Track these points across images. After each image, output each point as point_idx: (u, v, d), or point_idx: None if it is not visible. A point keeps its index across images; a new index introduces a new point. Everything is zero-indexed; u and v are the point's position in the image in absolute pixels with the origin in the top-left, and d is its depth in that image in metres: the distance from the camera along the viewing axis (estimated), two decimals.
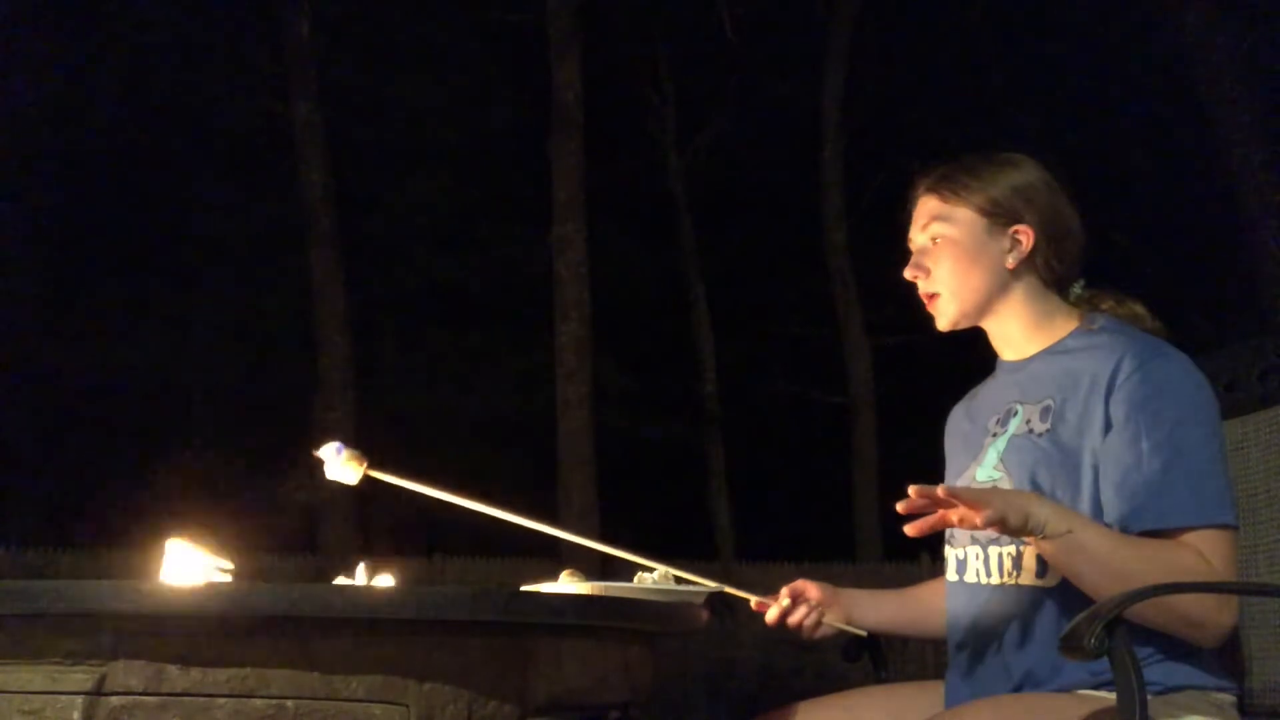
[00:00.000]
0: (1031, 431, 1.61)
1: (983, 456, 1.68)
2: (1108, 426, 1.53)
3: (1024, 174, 1.71)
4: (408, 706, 1.30)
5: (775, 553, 12.79)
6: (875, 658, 1.91)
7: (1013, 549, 1.60)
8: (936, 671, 1.87)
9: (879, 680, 1.89)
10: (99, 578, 1.33)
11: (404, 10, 14.20)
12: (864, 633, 1.85)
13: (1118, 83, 14.77)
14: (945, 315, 1.72)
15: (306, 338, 12.21)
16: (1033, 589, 1.57)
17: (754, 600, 1.80)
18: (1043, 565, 1.56)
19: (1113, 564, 1.45)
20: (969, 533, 1.66)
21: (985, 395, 1.79)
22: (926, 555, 11.78)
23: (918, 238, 1.75)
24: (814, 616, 1.78)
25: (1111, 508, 1.51)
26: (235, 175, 14.34)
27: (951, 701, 1.67)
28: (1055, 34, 15.04)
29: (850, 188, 14.54)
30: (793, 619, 1.78)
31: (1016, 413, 1.66)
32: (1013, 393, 1.69)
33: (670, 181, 16.18)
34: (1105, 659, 1.33)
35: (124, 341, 13.75)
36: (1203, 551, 1.46)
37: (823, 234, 14.48)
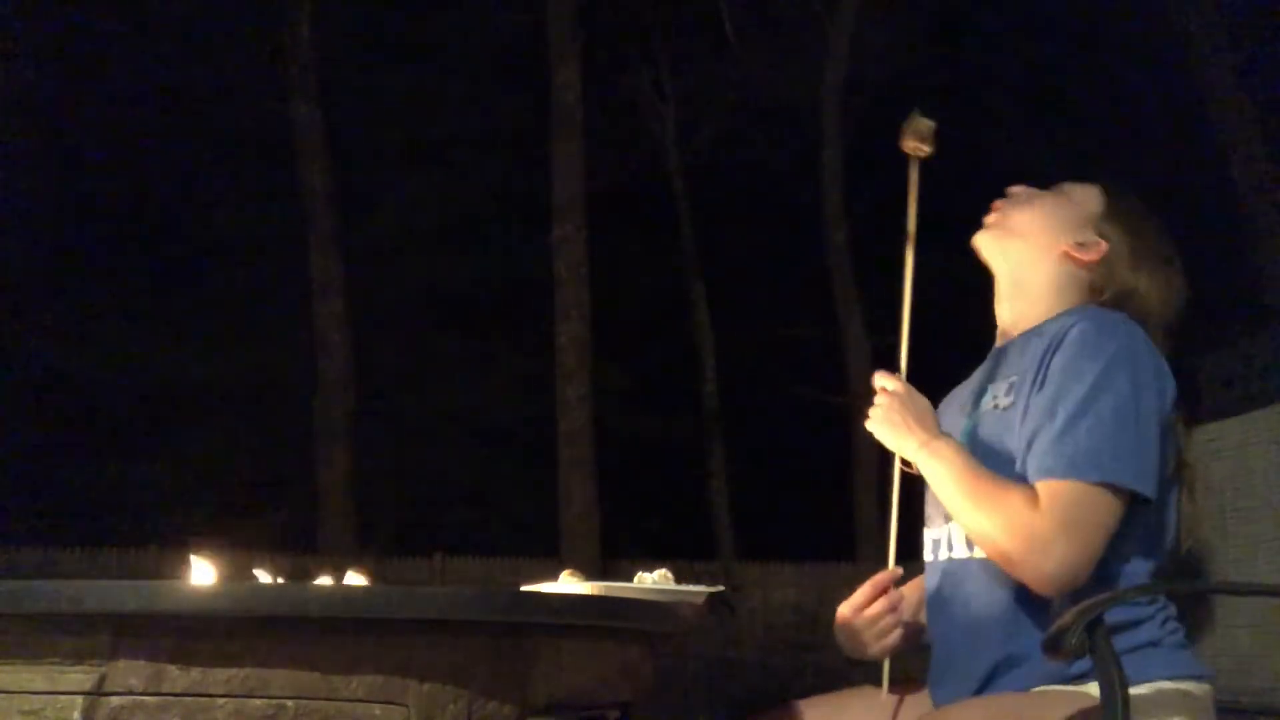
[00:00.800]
0: (997, 407, 1.64)
1: (956, 435, 1.69)
2: (1041, 386, 1.56)
3: (1145, 231, 1.73)
4: (408, 706, 1.30)
5: (775, 553, 12.79)
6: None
7: None
8: None
9: (852, 670, 1.87)
10: (99, 578, 1.33)
11: (404, 10, 14.20)
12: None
13: (1118, 83, 14.78)
14: (990, 235, 1.75)
15: (306, 338, 12.21)
16: (981, 562, 1.59)
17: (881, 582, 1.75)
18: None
19: (951, 490, 1.56)
20: (943, 511, 1.66)
21: (971, 377, 1.81)
22: None
23: (1019, 188, 1.79)
24: (895, 635, 1.73)
25: (1023, 455, 1.54)
26: (235, 175, 14.35)
27: (933, 685, 1.67)
28: (1055, 34, 15.05)
29: (850, 188, 14.53)
30: (902, 619, 1.74)
31: (985, 391, 1.69)
32: (986, 374, 1.73)
33: (670, 181, 16.18)
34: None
35: (124, 341, 13.75)
36: (1042, 501, 1.48)
37: (823, 234, 14.47)
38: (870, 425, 1.71)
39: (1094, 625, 1.34)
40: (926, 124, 1.73)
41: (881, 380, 1.73)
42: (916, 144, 1.73)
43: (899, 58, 14.75)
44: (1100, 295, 1.69)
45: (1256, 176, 11.03)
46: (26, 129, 13.12)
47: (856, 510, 14.14)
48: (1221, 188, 11.62)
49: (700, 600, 1.74)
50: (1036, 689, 1.52)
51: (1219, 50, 11.34)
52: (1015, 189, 1.79)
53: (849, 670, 1.90)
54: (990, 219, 1.77)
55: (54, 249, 13.86)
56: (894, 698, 1.75)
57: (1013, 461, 1.56)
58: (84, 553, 11.42)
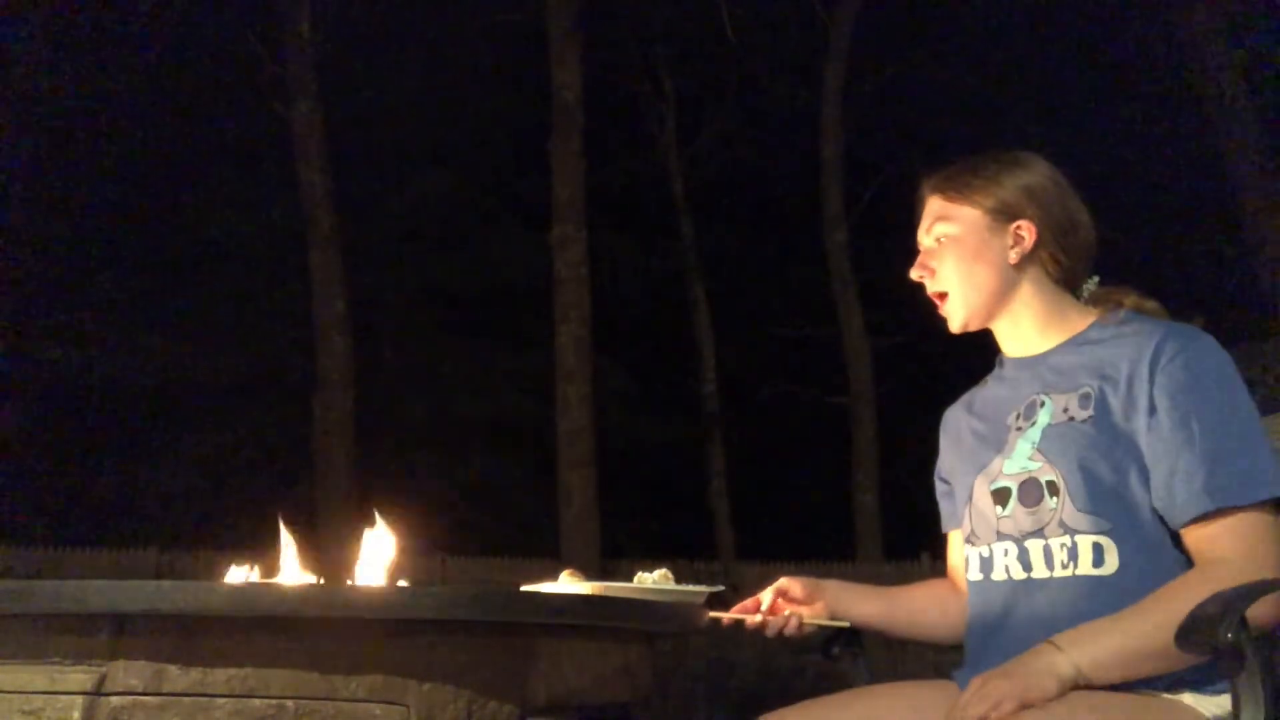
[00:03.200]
0: (1072, 419, 1.60)
1: (1011, 449, 1.66)
2: (1152, 410, 1.53)
3: (1029, 172, 1.72)
4: (408, 706, 1.30)
5: (775, 553, 12.78)
6: (853, 649, 1.88)
7: (1067, 539, 1.56)
8: (938, 671, 1.85)
9: (856, 672, 1.87)
10: (99, 578, 1.33)
11: (404, 10, 14.19)
12: (846, 624, 1.83)
13: (1118, 83, 14.77)
14: (955, 317, 1.74)
15: (306, 338, 12.20)
16: (1090, 579, 1.54)
17: (743, 615, 1.80)
18: (1099, 554, 1.54)
19: (1146, 643, 1.42)
20: (994, 528, 1.65)
21: (993, 393, 1.79)
22: (927, 555, 11.80)
23: (924, 239, 1.77)
24: (792, 623, 1.77)
25: (1164, 491, 1.51)
26: (235, 175, 14.34)
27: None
28: (1055, 34, 15.04)
29: (850, 188, 14.53)
30: (769, 632, 1.78)
31: (1044, 404, 1.65)
32: (1033, 386, 1.69)
33: (670, 181, 16.17)
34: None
35: (124, 341, 13.75)
36: (1222, 538, 1.45)
37: (823, 234, 14.47)
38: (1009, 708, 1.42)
39: (1244, 619, 1.29)
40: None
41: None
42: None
43: (899, 58, 14.75)
44: (1068, 259, 1.70)
45: (1256, 176, 11.03)
46: (26, 128, 13.12)
47: (856, 510, 14.13)
48: (1222, 189, 11.61)
49: (700, 600, 1.74)
50: (1132, 693, 1.47)
51: (1219, 51, 11.33)
52: (924, 240, 1.77)
53: (849, 670, 1.90)
54: (927, 286, 1.76)
55: (53, 249, 13.85)
56: (904, 697, 1.73)
57: (1117, 471, 1.54)
58: (84, 553, 11.42)
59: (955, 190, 1.73)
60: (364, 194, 13.90)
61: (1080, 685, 1.43)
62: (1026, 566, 1.61)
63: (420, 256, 14.96)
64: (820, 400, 15.11)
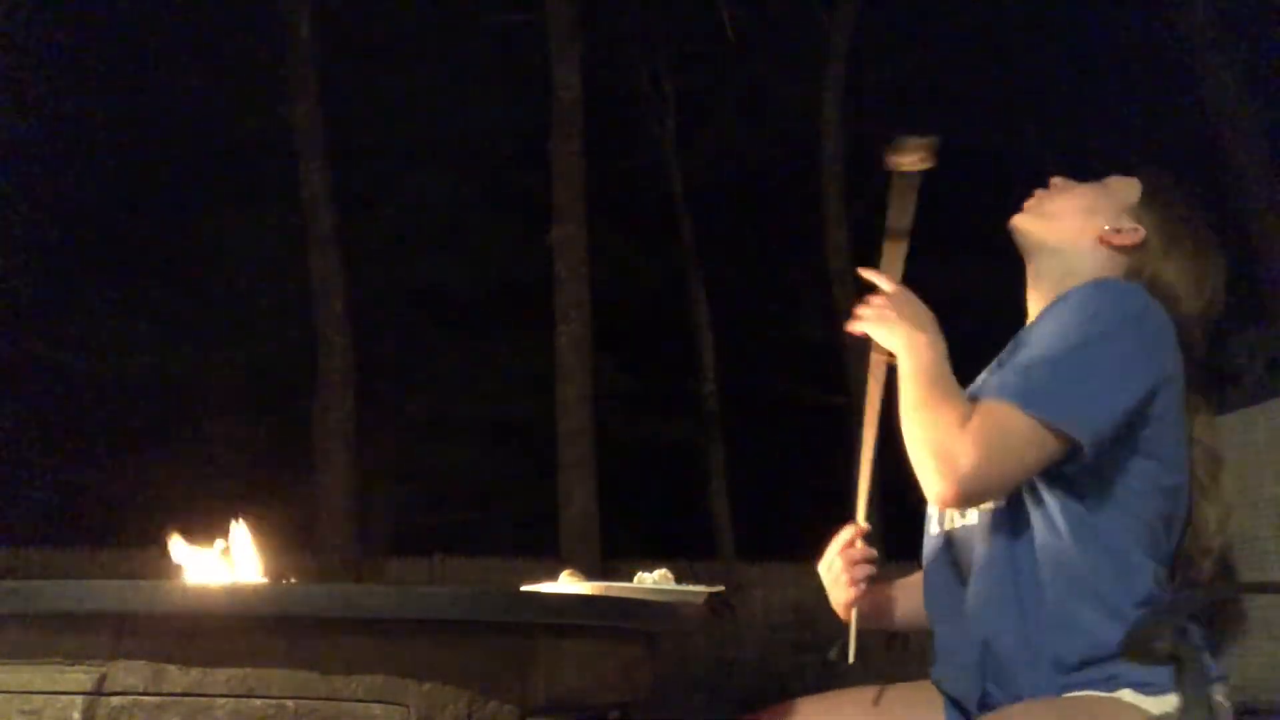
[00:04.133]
0: (1000, 365, 1.66)
1: None
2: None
3: (1181, 221, 1.72)
4: (408, 706, 1.30)
5: (775, 553, 12.78)
6: (842, 649, 1.88)
7: None
8: None
9: (850, 669, 1.88)
10: (99, 578, 1.33)
11: (404, 10, 14.19)
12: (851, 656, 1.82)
13: (1118, 83, 14.78)
14: (1027, 216, 1.76)
15: (307, 338, 12.20)
16: (964, 528, 1.61)
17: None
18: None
19: (908, 385, 1.58)
20: None
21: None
22: None
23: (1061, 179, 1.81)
24: (865, 573, 1.78)
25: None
26: (235, 175, 14.34)
27: (938, 669, 1.67)
28: (1056, 34, 15.05)
29: (850, 188, 14.54)
30: (855, 571, 1.78)
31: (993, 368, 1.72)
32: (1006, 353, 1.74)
33: (670, 181, 16.17)
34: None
35: (124, 341, 13.75)
36: (973, 416, 1.48)
37: (823, 234, 14.47)
38: (860, 324, 1.69)
39: (1184, 630, 1.33)
40: (922, 141, 1.70)
41: (876, 279, 1.71)
42: (915, 159, 1.70)
43: (899, 58, 14.76)
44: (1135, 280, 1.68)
45: (1258, 176, 11.04)
46: (26, 128, 13.12)
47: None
48: (1222, 189, 11.61)
49: (700, 600, 1.74)
50: (1072, 695, 1.48)
51: (1219, 48, 11.33)
52: (1056, 180, 1.79)
53: (850, 670, 1.90)
54: (1029, 203, 1.77)
55: (53, 248, 13.85)
56: (898, 695, 1.74)
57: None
58: (84, 553, 11.42)
59: (1121, 181, 1.77)
60: (364, 194, 13.90)
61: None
62: (949, 519, 1.67)
63: (420, 256, 14.96)
64: (820, 400, 15.11)
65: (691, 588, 1.73)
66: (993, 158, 12.50)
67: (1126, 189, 1.74)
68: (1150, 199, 1.72)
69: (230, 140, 14.24)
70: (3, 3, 12.43)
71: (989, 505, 1.57)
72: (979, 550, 1.59)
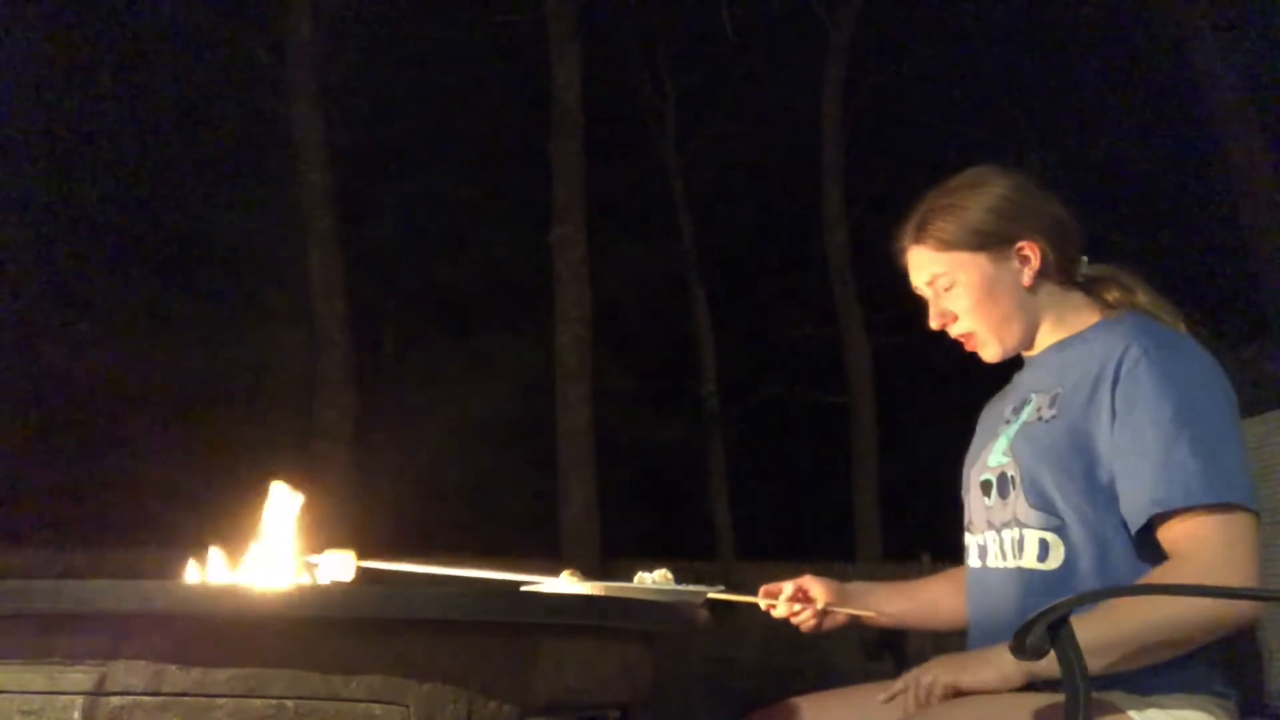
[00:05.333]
0: (1041, 419, 1.61)
1: (994, 444, 1.69)
2: (1113, 414, 1.53)
3: (994, 191, 1.69)
4: (408, 706, 1.30)
5: (775, 552, 12.79)
6: (898, 657, 1.91)
7: (1016, 532, 1.60)
8: None
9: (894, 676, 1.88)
10: (99, 578, 1.33)
11: (404, 10, 14.20)
12: (872, 613, 1.87)
13: (1118, 83, 14.78)
14: (990, 350, 1.72)
15: (307, 338, 12.20)
16: (1035, 572, 1.57)
17: (761, 598, 1.82)
18: (1044, 549, 1.56)
19: (1115, 643, 1.43)
20: (985, 517, 1.67)
21: (1014, 385, 1.80)
22: (927, 555, 11.80)
23: (925, 290, 1.74)
24: (814, 620, 1.84)
25: (1124, 499, 1.51)
26: (235, 175, 14.34)
27: None
28: (1056, 34, 15.04)
29: (850, 188, 14.54)
30: (796, 619, 1.84)
31: (1030, 400, 1.67)
32: (1030, 382, 1.71)
33: (670, 181, 16.18)
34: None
35: (124, 341, 13.74)
36: (1199, 538, 1.44)
37: (823, 234, 14.48)
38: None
39: (1058, 625, 1.32)
40: None
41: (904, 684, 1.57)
42: None
43: (899, 58, 14.76)
44: (1069, 260, 1.69)
45: (1259, 178, 11.03)
46: (25, 128, 13.12)
47: (856, 510, 14.14)
48: (1223, 189, 11.61)
49: (700, 600, 1.74)
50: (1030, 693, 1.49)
51: (1222, 53, 11.33)
52: (935, 305, 1.73)
53: (851, 671, 1.90)
54: (968, 344, 1.73)
55: (53, 248, 13.85)
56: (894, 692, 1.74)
57: (1070, 472, 1.55)
58: (84, 553, 11.41)
59: (934, 238, 1.68)
60: (364, 194, 13.90)
61: (1037, 685, 1.46)
62: (1002, 555, 1.64)
63: (420, 256, 14.96)
64: (820, 400, 15.13)
65: (691, 587, 1.73)
66: (992, 157, 12.48)
67: (970, 236, 1.67)
68: (991, 211, 1.67)
69: (230, 140, 14.25)
70: (5, 3, 12.43)
71: (1047, 546, 1.56)
72: (1007, 589, 1.60)
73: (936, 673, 1.50)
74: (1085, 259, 1.73)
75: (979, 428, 1.83)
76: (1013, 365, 1.83)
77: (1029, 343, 1.72)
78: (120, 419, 13.85)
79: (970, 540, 1.73)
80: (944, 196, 1.70)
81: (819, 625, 1.83)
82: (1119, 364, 1.54)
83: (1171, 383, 1.51)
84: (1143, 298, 1.70)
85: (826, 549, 12.92)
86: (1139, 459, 1.49)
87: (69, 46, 13.57)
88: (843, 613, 1.83)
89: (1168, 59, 12.74)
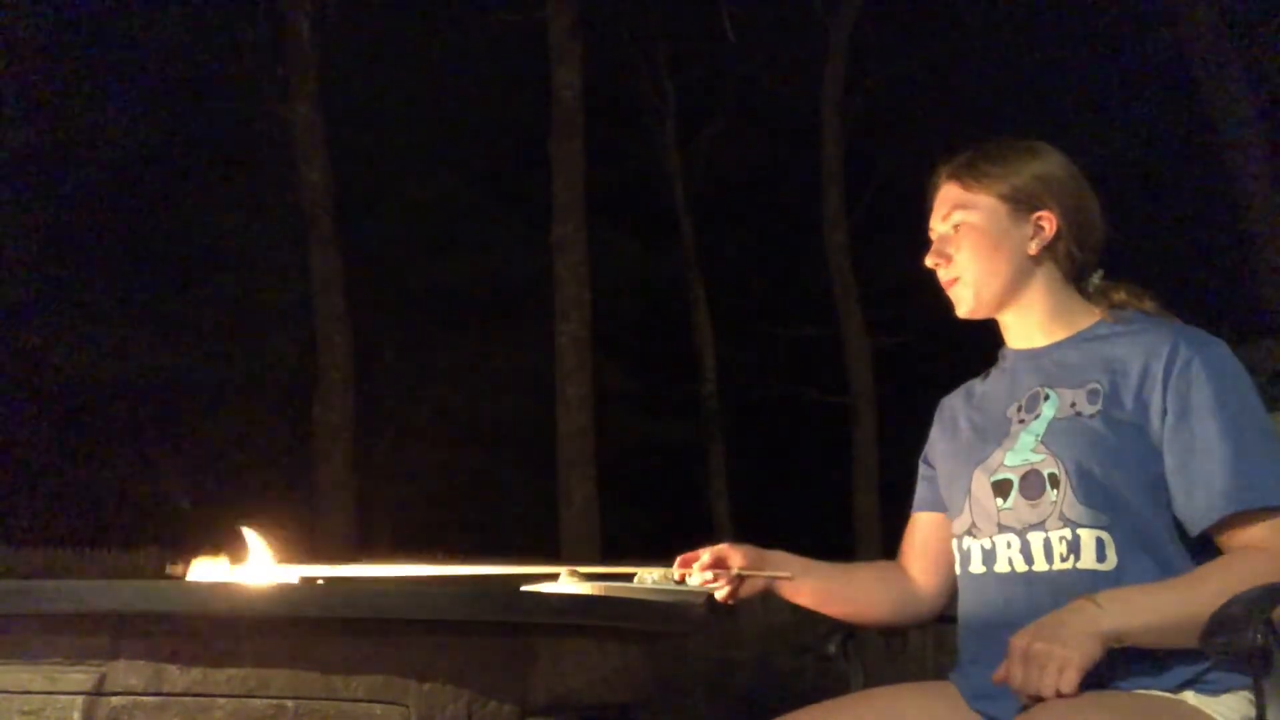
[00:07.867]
0: (1079, 414, 1.59)
1: (1013, 442, 1.66)
2: (1164, 413, 1.53)
3: (1046, 162, 1.73)
4: (408, 706, 1.30)
5: None
6: (846, 651, 1.87)
7: (1067, 532, 1.56)
8: (937, 672, 1.84)
9: (853, 671, 1.86)
10: (99, 578, 1.32)
11: (404, 10, 14.19)
12: (788, 574, 1.81)
13: (1118, 82, 14.77)
14: (964, 302, 1.74)
15: (307, 338, 12.20)
16: (1091, 574, 1.54)
17: (677, 568, 1.75)
18: (1101, 549, 1.53)
19: (1183, 612, 1.41)
20: (995, 520, 1.64)
21: (993, 385, 1.78)
22: None
23: (939, 226, 1.76)
24: (729, 587, 1.75)
25: (1183, 498, 1.52)
26: (235, 175, 14.33)
27: (978, 695, 1.62)
28: (1056, 33, 15.04)
29: (850, 188, 14.53)
30: (709, 586, 1.74)
31: (1049, 397, 1.64)
32: (1035, 378, 1.68)
33: (670, 181, 16.17)
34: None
35: (124, 341, 13.74)
36: (1267, 534, 1.45)
37: (823, 234, 14.46)
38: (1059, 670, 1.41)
39: (1269, 623, 1.29)
40: None
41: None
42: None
43: (899, 58, 14.75)
44: (1081, 253, 1.71)
45: (1258, 178, 11.02)
46: (24, 127, 13.11)
47: (856, 510, 14.13)
48: (1223, 190, 11.61)
49: (700, 600, 1.74)
50: (1138, 691, 1.47)
51: (1221, 51, 11.32)
52: (937, 244, 1.75)
53: (846, 670, 1.89)
54: (948, 289, 1.74)
55: (53, 248, 13.84)
56: (903, 700, 1.72)
57: (1125, 468, 1.54)
58: (84, 553, 11.41)
59: (974, 178, 1.72)
60: (364, 194, 13.90)
61: (1113, 646, 1.42)
62: (1028, 559, 1.60)
63: (420, 256, 14.96)
64: (820, 400, 15.11)
65: (691, 588, 1.73)
66: None
67: (1004, 188, 1.70)
68: (1034, 176, 1.70)
69: (230, 140, 14.24)
70: (3, 4, 12.42)
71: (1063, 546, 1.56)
72: (1064, 593, 1.54)
73: (1058, 655, 1.38)
74: (1100, 272, 1.74)
75: (951, 426, 1.81)
76: (987, 360, 1.83)
77: (994, 309, 1.73)
78: (120, 419, 13.85)
79: (974, 544, 1.68)
80: (1000, 149, 1.74)
81: (734, 592, 1.75)
82: (1168, 362, 1.55)
83: (1227, 384, 1.53)
84: (1149, 304, 1.71)
85: (826, 549, 12.89)
86: (1204, 459, 1.50)
87: (67, 45, 13.57)
88: (759, 576, 1.78)
89: (1168, 59, 12.74)
